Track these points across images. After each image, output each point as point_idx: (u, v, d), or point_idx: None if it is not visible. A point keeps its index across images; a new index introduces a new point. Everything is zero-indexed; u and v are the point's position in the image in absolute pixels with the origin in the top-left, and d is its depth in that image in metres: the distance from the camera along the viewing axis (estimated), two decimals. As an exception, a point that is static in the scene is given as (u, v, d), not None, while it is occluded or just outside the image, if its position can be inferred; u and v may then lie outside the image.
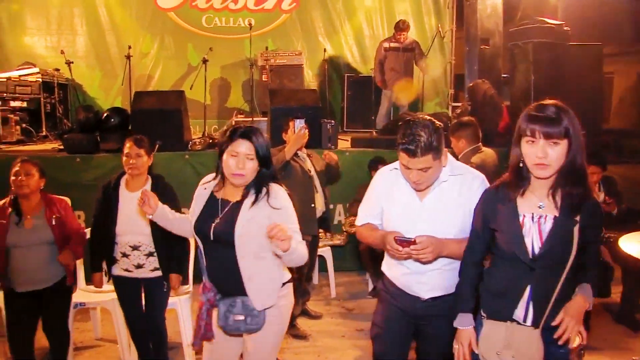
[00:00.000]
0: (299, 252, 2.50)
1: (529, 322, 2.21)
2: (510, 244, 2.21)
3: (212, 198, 2.69)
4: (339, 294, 5.57)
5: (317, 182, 4.61)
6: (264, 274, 2.64)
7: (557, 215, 2.15)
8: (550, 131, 2.06)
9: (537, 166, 2.10)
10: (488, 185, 2.50)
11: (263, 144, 2.59)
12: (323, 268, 5.68)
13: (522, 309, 2.22)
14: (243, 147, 2.54)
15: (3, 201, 3.65)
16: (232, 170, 2.54)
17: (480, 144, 4.49)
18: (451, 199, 2.50)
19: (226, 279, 2.65)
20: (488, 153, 4.52)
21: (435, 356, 2.71)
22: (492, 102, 6.64)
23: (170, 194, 3.68)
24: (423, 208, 2.51)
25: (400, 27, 7.86)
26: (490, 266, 2.41)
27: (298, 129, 4.26)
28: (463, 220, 2.48)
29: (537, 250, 2.16)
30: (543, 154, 2.07)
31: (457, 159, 4.39)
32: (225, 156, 2.57)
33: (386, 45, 7.95)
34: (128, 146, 3.59)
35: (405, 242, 2.34)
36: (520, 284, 2.22)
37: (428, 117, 2.42)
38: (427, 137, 2.30)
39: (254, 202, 2.59)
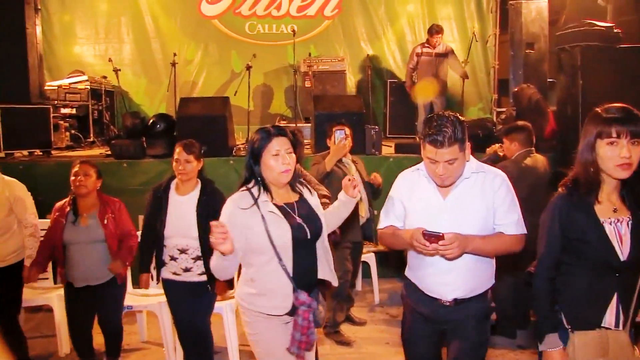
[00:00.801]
0: None
1: (620, 326, 2.21)
2: (600, 252, 2.19)
3: (272, 208, 2.60)
4: (383, 301, 5.52)
5: (361, 189, 4.58)
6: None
7: (630, 216, 2.17)
8: (635, 130, 2.06)
9: (620, 167, 2.10)
10: (509, 184, 2.55)
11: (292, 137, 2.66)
12: (366, 274, 5.64)
13: (612, 315, 2.21)
14: (281, 143, 2.56)
15: (64, 201, 3.85)
16: (281, 169, 2.54)
17: (532, 148, 4.49)
18: (474, 197, 2.52)
19: (309, 273, 2.66)
20: (539, 158, 4.52)
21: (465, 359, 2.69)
22: (538, 107, 6.49)
23: (219, 199, 3.69)
24: (446, 206, 2.53)
25: (435, 30, 7.69)
26: (564, 276, 2.33)
27: (338, 139, 4.25)
28: (485, 218, 2.52)
29: (625, 255, 2.16)
30: (628, 154, 2.07)
31: (511, 160, 4.41)
32: (264, 160, 2.56)
33: (418, 50, 7.80)
34: (177, 152, 3.65)
35: (434, 236, 2.33)
36: (608, 290, 2.21)
37: (451, 112, 2.47)
38: (453, 128, 2.35)
39: (309, 193, 2.74)
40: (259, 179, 2.60)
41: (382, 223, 2.74)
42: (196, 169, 3.70)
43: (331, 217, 2.85)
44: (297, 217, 2.61)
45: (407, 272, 2.78)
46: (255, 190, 2.59)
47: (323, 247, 2.73)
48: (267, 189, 2.60)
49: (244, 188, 2.62)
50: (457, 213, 2.50)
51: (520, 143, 4.46)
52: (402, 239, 2.55)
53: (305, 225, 2.62)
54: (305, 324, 2.57)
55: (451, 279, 2.54)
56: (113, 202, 3.90)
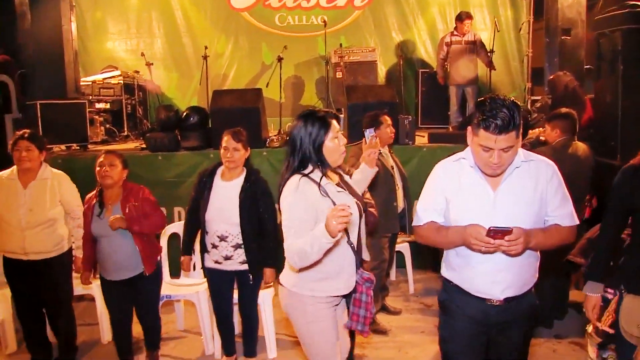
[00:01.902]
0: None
1: None
2: None
3: (337, 188, 2.65)
4: (417, 291, 5.52)
5: (398, 179, 4.59)
6: None
7: None
8: None
9: None
10: (559, 173, 2.43)
11: None
12: (401, 264, 5.62)
13: None
14: (336, 126, 2.63)
15: (92, 193, 3.83)
16: (341, 150, 2.63)
17: (574, 137, 4.48)
18: (526, 187, 2.36)
19: (360, 250, 2.71)
20: (580, 146, 4.49)
21: None
22: (575, 95, 6.36)
23: (262, 188, 3.77)
24: (497, 198, 2.35)
25: (462, 18, 7.60)
26: (631, 244, 2.60)
27: (369, 138, 4.21)
28: (539, 209, 2.38)
29: None
30: None
31: (550, 146, 4.36)
32: (326, 145, 2.58)
33: (448, 39, 7.73)
34: (225, 139, 3.69)
35: (500, 232, 2.18)
36: None
37: (505, 95, 2.28)
38: (510, 112, 2.17)
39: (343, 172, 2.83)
40: (318, 163, 2.59)
41: (422, 219, 2.50)
42: (243, 157, 3.74)
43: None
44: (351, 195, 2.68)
45: (446, 274, 2.59)
46: (315, 175, 2.58)
47: (363, 225, 2.76)
48: (324, 172, 2.61)
49: (301, 175, 2.58)
50: (509, 205, 2.34)
51: (561, 130, 4.44)
52: (451, 237, 2.39)
53: (359, 201, 2.70)
54: (369, 300, 2.62)
55: (502, 278, 2.39)
56: (137, 189, 3.83)
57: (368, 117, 4.53)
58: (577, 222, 2.46)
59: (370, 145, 3.88)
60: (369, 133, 3.56)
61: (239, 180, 3.73)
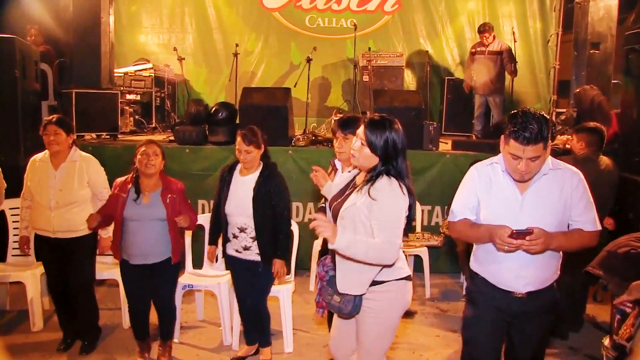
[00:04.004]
0: (357, 252, 2.48)
1: None
2: None
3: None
4: (434, 295, 5.56)
5: None
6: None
7: None
8: None
9: None
10: (585, 181, 2.61)
11: (376, 134, 2.58)
12: (418, 269, 5.67)
13: None
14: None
15: (125, 177, 3.88)
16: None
17: (599, 151, 4.53)
18: (552, 193, 2.56)
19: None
20: (604, 160, 4.53)
21: (525, 355, 2.76)
22: (601, 109, 6.34)
23: (276, 182, 3.86)
24: (524, 201, 2.56)
25: (480, 30, 7.78)
26: None
27: None
28: (562, 215, 2.58)
29: None
30: None
31: (572, 156, 4.40)
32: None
33: (473, 50, 7.88)
34: (238, 141, 3.79)
35: (522, 234, 2.39)
36: None
37: (537, 109, 2.48)
38: (539, 125, 2.36)
39: (364, 186, 2.62)
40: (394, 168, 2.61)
41: (456, 216, 2.74)
42: (257, 156, 3.83)
43: None
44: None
45: (474, 266, 2.84)
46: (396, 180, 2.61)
47: None
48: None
49: (389, 178, 2.60)
50: (535, 208, 2.54)
51: (586, 144, 4.50)
52: (482, 234, 2.59)
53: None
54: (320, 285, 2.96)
55: (525, 273, 2.61)
56: (175, 182, 3.93)
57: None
58: (599, 228, 2.65)
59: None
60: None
61: (255, 175, 3.85)
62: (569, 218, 2.60)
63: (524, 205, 2.55)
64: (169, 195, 3.80)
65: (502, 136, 2.53)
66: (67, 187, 4.01)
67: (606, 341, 3.37)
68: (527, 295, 2.63)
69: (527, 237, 2.38)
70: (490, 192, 2.63)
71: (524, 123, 2.37)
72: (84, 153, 4.19)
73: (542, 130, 2.36)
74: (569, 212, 2.58)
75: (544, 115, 2.43)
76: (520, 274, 2.60)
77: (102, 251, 4.19)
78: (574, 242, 2.59)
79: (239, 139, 3.78)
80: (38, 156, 4.16)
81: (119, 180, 3.90)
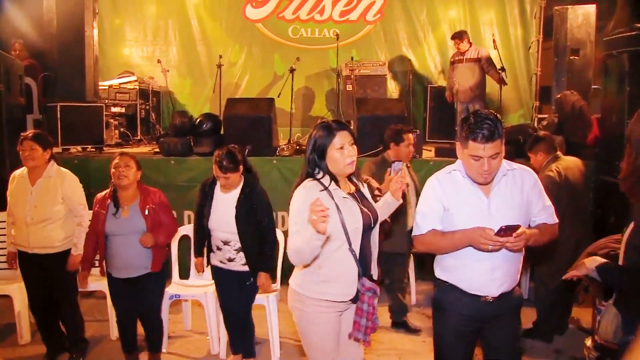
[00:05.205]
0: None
1: None
2: None
3: (344, 194, 2.69)
4: (419, 301, 5.59)
5: (412, 197, 4.60)
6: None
7: None
8: None
9: None
10: (539, 179, 2.72)
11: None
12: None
13: None
14: (344, 136, 2.64)
15: (104, 192, 3.90)
16: (346, 161, 2.63)
17: (558, 153, 4.60)
18: (515, 193, 2.61)
19: (367, 261, 2.75)
20: (570, 161, 4.60)
21: (503, 354, 2.78)
22: (581, 114, 6.44)
23: (258, 198, 3.88)
24: (491, 204, 2.59)
25: (453, 37, 7.83)
26: None
27: (395, 171, 3.85)
28: (527, 212, 2.66)
29: None
30: None
31: (539, 173, 4.45)
32: (329, 155, 2.63)
33: (452, 59, 7.94)
34: (214, 168, 3.80)
35: (510, 230, 2.40)
36: None
37: (485, 109, 2.58)
38: (494, 123, 2.43)
39: (361, 185, 2.82)
40: (325, 171, 2.66)
41: (422, 227, 2.69)
42: (237, 178, 3.85)
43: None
44: (360, 206, 2.70)
45: (440, 275, 2.78)
46: (324, 180, 2.65)
47: (374, 237, 2.82)
48: (335, 179, 2.67)
49: (311, 179, 2.67)
50: (503, 209, 2.57)
51: (544, 152, 4.60)
52: (457, 240, 2.57)
53: (369, 215, 2.72)
54: (370, 310, 2.67)
55: (499, 274, 2.62)
56: (153, 192, 3.91)
57: (391, 131, 4.60)
58: (557, 220, 2.76)
59: (397, 178, 3.80)
60: (396, 166, 3.51)
61: (236, 192, 3.86)
62: (531, 215, 2.68)
63: (491, 208, 2.57)
64: (148, 206, 3.80)
65: (457, 143, 2.57)
66: (41, 203, 3.98)
67: (588, 342, 3.42)
68: (498, 299, 2.64)
69: (514, 234, 2.41)
70: (456, 199, 2.62)
71: (479, 123, 2.42)
72: (62, 169, 4.15)
73: (498, 126, 2.42)
74: (530, 209, 2.66)
75: (493, 112, 2.50)
76: (493, 276, 2.61)
77: (71, 268, 4.09)
78: (545, 235, 2.67)
79: (215, 166, 3.78)
80: (18, 171, 4.13)
81: (99, 196, 3.92)
